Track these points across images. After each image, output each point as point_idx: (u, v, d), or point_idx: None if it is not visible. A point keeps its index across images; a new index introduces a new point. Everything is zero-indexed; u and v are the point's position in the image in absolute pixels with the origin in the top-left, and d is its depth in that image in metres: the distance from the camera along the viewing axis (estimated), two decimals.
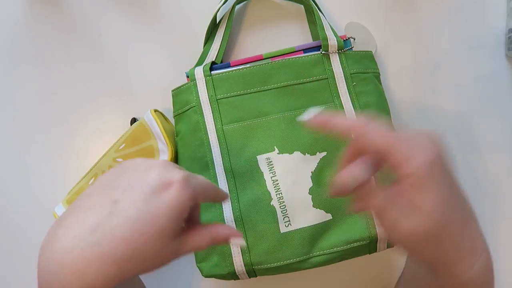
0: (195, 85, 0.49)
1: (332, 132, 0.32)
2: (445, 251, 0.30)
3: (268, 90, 0.48)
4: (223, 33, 0.53)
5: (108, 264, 0.27)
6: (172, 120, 0.53)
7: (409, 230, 0.29)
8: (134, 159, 0.33)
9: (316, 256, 0.45)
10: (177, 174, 0.30)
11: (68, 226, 0.28)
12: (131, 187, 0.30)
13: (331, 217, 0.45)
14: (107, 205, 0.29)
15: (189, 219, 0.34)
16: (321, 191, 0.45)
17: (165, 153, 0.49)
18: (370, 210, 0.31)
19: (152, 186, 0.29)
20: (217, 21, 0.55)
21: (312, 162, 0.46)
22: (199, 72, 0.49)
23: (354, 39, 0.52)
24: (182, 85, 0.49)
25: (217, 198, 0.35)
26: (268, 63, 0.48)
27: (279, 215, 0.45)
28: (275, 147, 0.46)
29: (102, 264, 0.27)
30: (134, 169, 0.31)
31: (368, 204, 0.31)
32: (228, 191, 0.46)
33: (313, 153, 0.46)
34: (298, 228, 0.45)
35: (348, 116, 0.30)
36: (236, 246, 0.33)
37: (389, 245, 0.46)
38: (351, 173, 0.30)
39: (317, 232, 0.45)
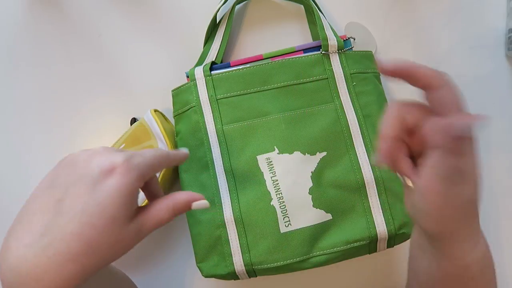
0: (195, 85, 0.49)
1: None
2: (463, 224, 0.30)
3: (268, 90, 0.48)
4: (223, 33, 0.53)
5: (65, 263, 0.27)
6: (172, 120, 0.53)
7: (459, 194, 0.28)
8: (73, 152, 0.32)
9: (316, 256, 0.45)
10: (117, 157, 0.30)
11: (18, 235, 0.28)
12: (73, 183, 0.29)
13: (331, 217, 0.45)
14: (51, 206, 0.29)
15: (149, 194, 0.34)
16: (321, 191, 0.45)
17: None
18: (455, 165, 0.28)
19: (93, 176, 0.29)
20: (217, 21, 0.55)
21: (312, 162, 0.46)
22: (199, 72, 0.49)
23: (354, 39, 0.52)
24: (182, 85, 0.50)
25: (173, 163, 0.35)
26: (268, 63, 0.48)
27: (279, 215, 0.45)
28: (275, 147, 0.46)
29: (58, 265, 0.27)
30: (72, 164, 0.31)
31: (461, 159, 0.28)
32: (228, 191, 0.46)
33: (313, 153, 0.46)
34: (298, 228, 0.45)
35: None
36: (200, 208, 0.33)
37: (389, 245, 0.46)
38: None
39: (317, 232, 0.45)
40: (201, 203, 0.33)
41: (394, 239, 0.46)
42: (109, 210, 0.28)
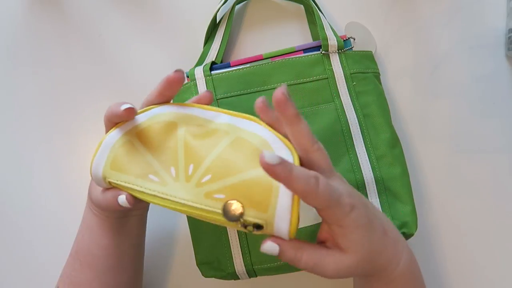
0: (195, 85, 0.49)
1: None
2: (374, 266, 0.35)
3: (268, 90, 0.48)
4: (223, 33, 0.53)
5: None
6: None
7: (340, 268, 0.33)
8: None
9: None
10: None
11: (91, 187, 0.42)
12: None
13: None
14: None
15: None
16: None
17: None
18: (304, 265, 0.34)
19: None
20: (217, 21, 0.55)
21: None
22: (199, 72, 0.49)
23: (354, 39, 0.52)
24: (182, 85, 0.49)
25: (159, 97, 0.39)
26: (268, 63, 0.48)
27: None
28: None
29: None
30: None
31: (300, 260, 0.34)
32: None
33: None
34: (298, 228, 0.45)
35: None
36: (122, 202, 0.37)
37: None
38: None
39: (316, 230, 0.45)
40: (122, 198, 0.37)
41: None
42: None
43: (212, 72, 0.49)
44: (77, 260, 0.43)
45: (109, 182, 0.37)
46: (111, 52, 0.58)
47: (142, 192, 0.36)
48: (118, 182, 0.36)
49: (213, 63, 0.51)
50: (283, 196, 0.32)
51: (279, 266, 0.44)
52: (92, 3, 0.59)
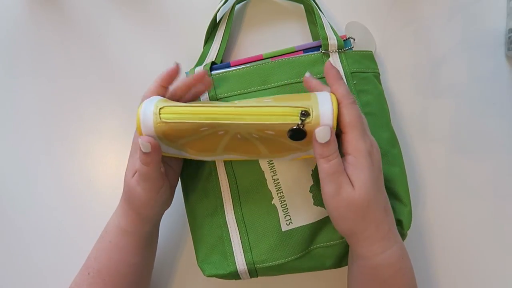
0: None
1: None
2: (364, 225, 0.37)
3: (268, 89, 0.48)
4: (223, 33, 0.53)
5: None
6: None
7: (345, 197, 0.35)
8: None
9: (314, 249, 0.45)
10: None
11: (127, 170, 0.42)
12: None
13: None
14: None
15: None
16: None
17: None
18: (329, 169, 0.36)
19: None
20: (217, 21, 0.55)
21: (312, 160, 0.46)
22: None
23: (354, 40, 0.52)
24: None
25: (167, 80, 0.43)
26: (268, 62, 0.48)
27: (280, 213, 0.45)
28: None
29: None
30: None
31: (331, 163, 0.36)
32: (230, 191, 0.46)
33: None
34: (299, 226, 0.45)
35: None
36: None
37: None
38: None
39: (317, 228, 0.45)
40: (142, 142, 0.37)
41: None
42: None
43: (212, 72, 0.49)
44: (100, 280, 0.43)
45: (161, 111, 0.36)
46: (111, 52, 0.58)
47: (206, 108, 0.36)
48: (173, 106, 0.37)
49: (213, 63, 0.51)
50: (321, 94, 0.38)
51: (281, 264, 0.44)
52: (92, 4, 0.59)
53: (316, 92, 0.39)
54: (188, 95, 0.44)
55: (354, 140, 0.36)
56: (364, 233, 0.37)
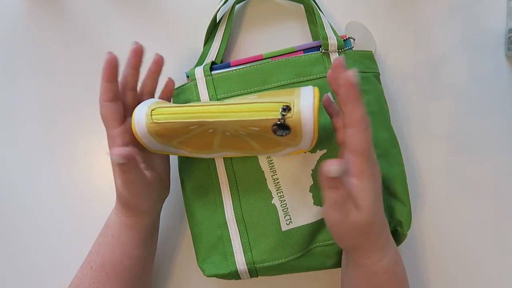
0: (195, 85, 0.49)
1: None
2: (367, 240, 0.38)
3: (268, 89, 0.48)
4: (223, 33, 0.53)
5: None
6: None
7: (352, 221, 0.36)
8: None
9: (314, 248, 0.45)
10: None
11: None
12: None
13: None
14: None
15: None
16: (321, 189, 0.45)
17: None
18: (337, 198, 0.36)
19: None
20: (217, 21, 0.55)
21: (312, 160, 0.46)
22: (199, 72, 0.49)
23: (354, 40, 0.52)
24: (182, 85, 0.49)
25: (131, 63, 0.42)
26: (268, 62, 0.48)
27: (280, 213, 0.45)
28: None
29: None
30: None
31: (339, 192, 0.35)
32: (229, 190, 0.46)
33: (313, 151, 0.46)
34: (299, 225, 0.45)
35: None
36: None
37: None
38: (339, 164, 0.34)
39: (317, 227, 0.45)
40: (115, 156, 0.37)
41: None
42: None
43: (212, 72, 0.49)
44: (103, 273, 0.43)
45: (153, 112, 0.38)
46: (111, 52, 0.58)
47: (192, 107, 0.37)
48: (163, 107, 0.38)
49: (213, 63, 0.51)
50: (304, 88, 0.38)
51: (281, 263, 0.44)
52: (92, 4, 0.59)
53: (300, 87, 0.40)
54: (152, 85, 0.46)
55: (360, 165, 0.35)
56: (365, 247, 0.38)
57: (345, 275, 0.43)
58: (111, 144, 0.41)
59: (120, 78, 0.42)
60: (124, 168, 0.38)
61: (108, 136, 0.41)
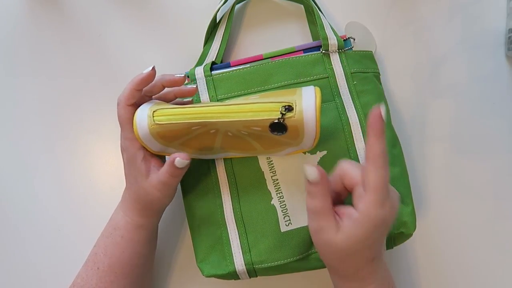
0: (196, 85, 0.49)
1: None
2: (342, 267, 0.37)
3: (268, 89, 0.48)
4: (223, 33, 0.53)
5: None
6: None
7: (324, 239, 0.36)
8: None
9: (314, 252, 0.45)
10: None
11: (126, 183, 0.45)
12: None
13: None
14: None
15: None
16: None
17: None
18: (310, 205, 0.36)
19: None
20: (217, 21, 0.55)
21: (312, 161, 0.46)
22: (199, 72, 0.49)
23: (354, 40, 0.52)
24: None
25: (168, 83, 0.43)
26: (268, 62, 0.48)
27: (280, 214, 0.45)
28: None
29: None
30: None
31: (314, 202, 0.36)
32: (229, 191, 0.46)
33: (313, 152, 0.46)
34: (299, 227, 0.44)
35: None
36: (180, 164, 0.40)
37: (389, 246, 0.46)
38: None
39: None
40: (179, 159, 0.39)
41: (393, 240, 0.46)
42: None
43: (212, 72, 0.49)
44: (111, 273, 0.44)
45: (154, 114, 0.38)
46: (111, 52, 0.58)
47: (194, 108, 0.38)
48: (165, 108, 0.38)
49: (213, 63, 0.51)
50: (306, 88, 0.39)
51: (280, 265, 0.44)
52: (92, 4, 0.59)
53: (302, 87, 0.40)
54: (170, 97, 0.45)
55: (368, 203, 0.34)
56: (341, 272, 0.38)
57: None
58: (127, 146, 0.42)
59: (147, 86, 0.43)
60: (177, 172, 0.40)
61: (123, 138, 0.43)
